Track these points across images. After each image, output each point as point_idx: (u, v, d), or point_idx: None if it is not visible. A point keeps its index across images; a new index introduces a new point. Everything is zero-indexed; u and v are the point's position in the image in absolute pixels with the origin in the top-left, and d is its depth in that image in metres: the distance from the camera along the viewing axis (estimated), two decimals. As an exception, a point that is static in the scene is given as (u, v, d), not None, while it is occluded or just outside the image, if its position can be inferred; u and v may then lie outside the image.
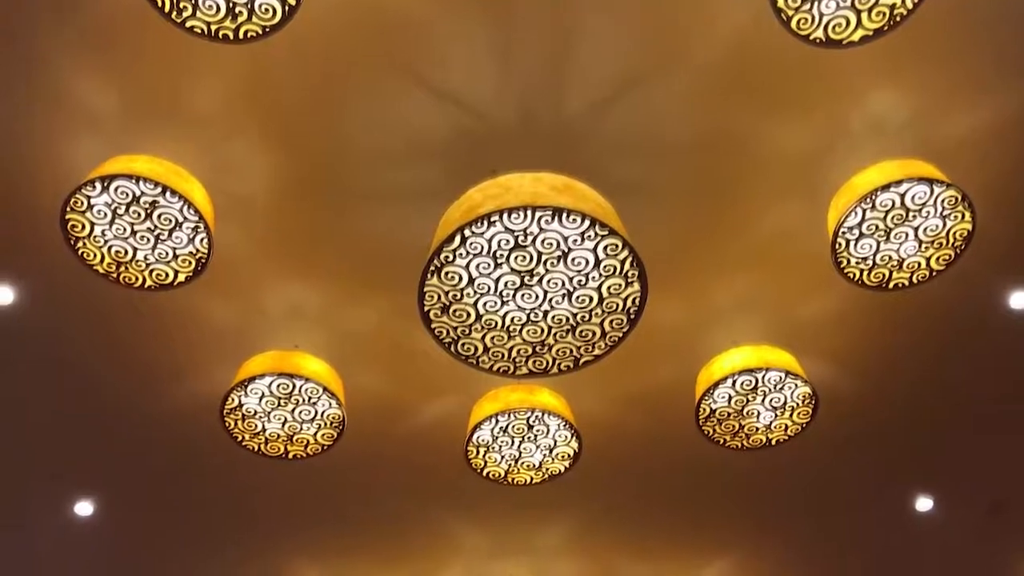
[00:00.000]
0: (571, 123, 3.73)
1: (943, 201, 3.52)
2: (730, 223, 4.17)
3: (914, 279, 3.78)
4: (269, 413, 4.25)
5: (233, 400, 4.18)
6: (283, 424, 4.29)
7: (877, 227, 3.60)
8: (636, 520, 5.75)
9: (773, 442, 4.44)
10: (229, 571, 5.94)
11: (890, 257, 3.70)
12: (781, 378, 4.20)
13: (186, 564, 5.87)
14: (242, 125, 3.70)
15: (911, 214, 3.56)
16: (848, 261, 3.71)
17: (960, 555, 6.02)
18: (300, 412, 4.26)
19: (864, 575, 6.20)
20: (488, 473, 4.56)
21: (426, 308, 3.16)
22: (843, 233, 3.62)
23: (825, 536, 5.89)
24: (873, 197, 3.52)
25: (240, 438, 4.32)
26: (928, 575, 6.20)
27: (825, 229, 3.81)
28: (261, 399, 4.19)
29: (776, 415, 4.34)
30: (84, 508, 5.39)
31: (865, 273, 3.76)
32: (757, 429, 4.40)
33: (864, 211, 3.56)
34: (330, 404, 4.25)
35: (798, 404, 4.30)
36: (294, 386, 4.16)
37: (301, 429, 4.32)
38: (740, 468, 5.34)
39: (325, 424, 4.32)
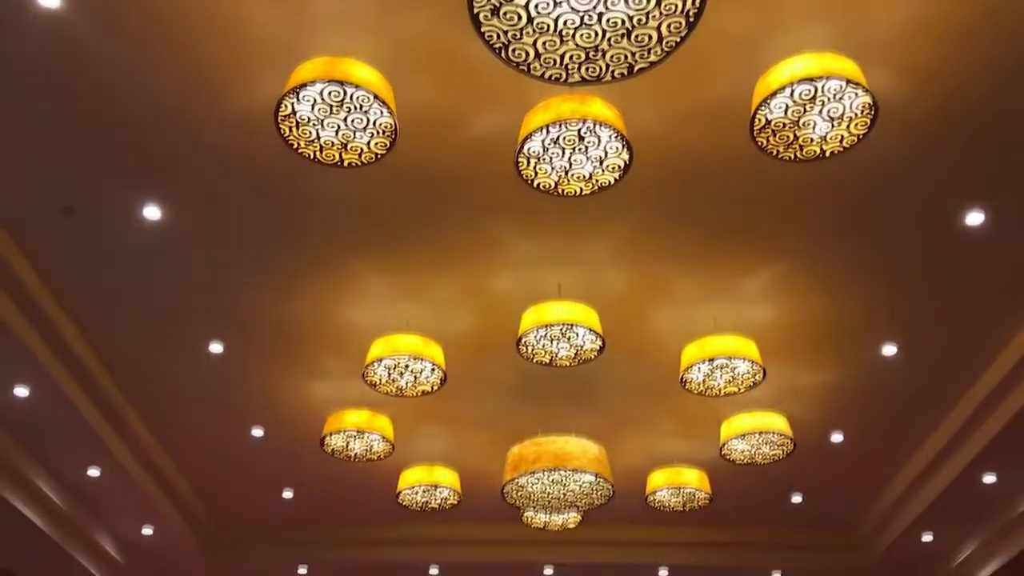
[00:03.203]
0: None
1: None
2: (802, -83, 3.86)
3: (997, -20, 3.52)
4: (322, 120, 4.28)
5: (286, 107, 4.21)
6: (336, 132, 4.34)
7: (964, -80, 3.31)
8: (684, 231, 5.87)
9: (827, 154, 4.40)
10: (291, 274, 6.27)
11: (974, -46, 3.43)
12: (841, 87, 4.08)
13: (249, 266, 6.20)
14: None
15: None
16: (927, -41, 3.46)
17: (1008, 269, 6.09)
18: (352, 120, 4.29)
19: (911, 290, 6.34)
20: (538, 184, 4.62)
21: (475, 10, 3.06)
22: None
23: (872, 249, 5.97)
24: None
25: (295, 145, 4.39)
26: (974, 289, 6.31)
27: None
28: (313, 106, 4.21)
29: (832, 126, 4.27)
30: (152, 212, 5.63)
31: (944, -27, 3.51)
32: (812, 140, 4.34)
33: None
34: (382, 112, 4.26)
35: (856, 115, 4.20)
36: (345, 94, 4.16)
37: (354, 137, 4.37)
38: (792, 181, 5.35)
39: (377, 133, 4.35)
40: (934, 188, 5.42)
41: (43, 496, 8.10)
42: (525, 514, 8.20)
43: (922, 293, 6.40)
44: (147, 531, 9.41)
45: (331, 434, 7.19)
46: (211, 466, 8.93)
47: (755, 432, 7.03)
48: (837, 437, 8.26)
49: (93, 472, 8.14)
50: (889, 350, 7.00)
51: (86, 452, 7.81)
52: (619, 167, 4.50)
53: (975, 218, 5.61)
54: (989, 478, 7.96)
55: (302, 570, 10.46)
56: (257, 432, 8.27)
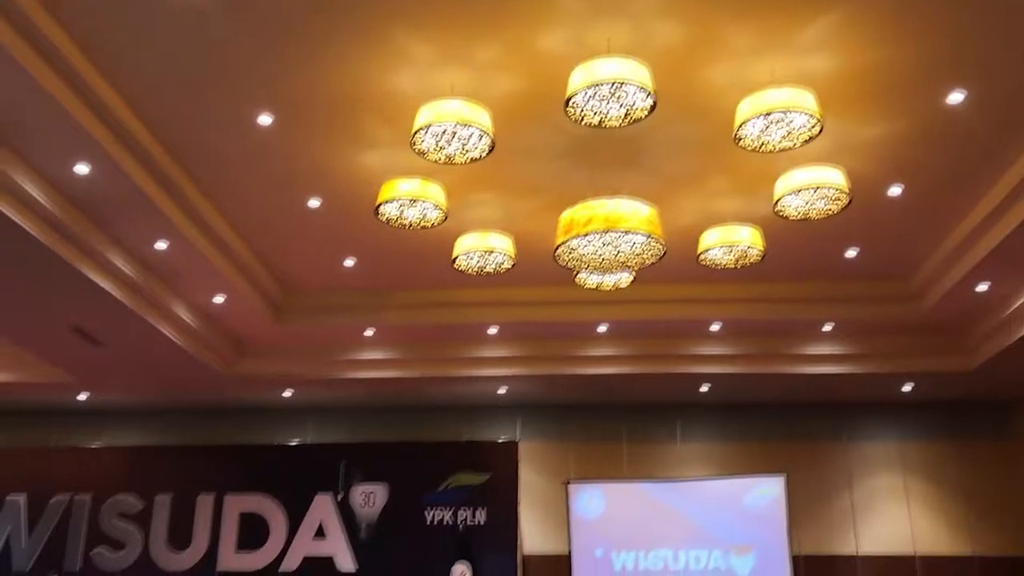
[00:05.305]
0: None
1: None
2: None
3: None
4: None
5: None
6: None
7: None
8: (739, -24, 5.52)
9: None
10: (333, 41, 6.11)
11: None
12: None
13: (291, 35, 6.04)
14: None
15: None
16: None
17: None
18: None
19: (983, 32, 5.95)
20: (582, -72, 4.33)
21: None
22: None
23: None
24: None
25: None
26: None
27: None
28: None
29: None
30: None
31: None
32: None
33: None
34: None
35: None
36: None
37: None
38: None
39: None
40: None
41: (115, 268, 8.50)
42: (578, 276, 8.38)
43: (995, 35, 6.01)
44: (219, 299, 9.90)
45: (385, 203, 7.27)
46: (273, 237, 9.19)
47: (810, 187, 6.91)
48: (895, 190, 8.11)
49: (160, 245, 8.47)
50: (955, 98, 6.69)
51: (151, 226, 8.08)
52: (668, -94, 4.17)
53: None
54: (1051, 227, 7.84)
55: (368, 332, 11.00)
56: (314, 203, 8.42)
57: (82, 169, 7.04)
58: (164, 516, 12.43)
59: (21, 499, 12.57)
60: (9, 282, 8.41)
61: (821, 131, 6.18)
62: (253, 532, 12.23)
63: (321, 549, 12.10)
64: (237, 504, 12.41)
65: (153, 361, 10.65)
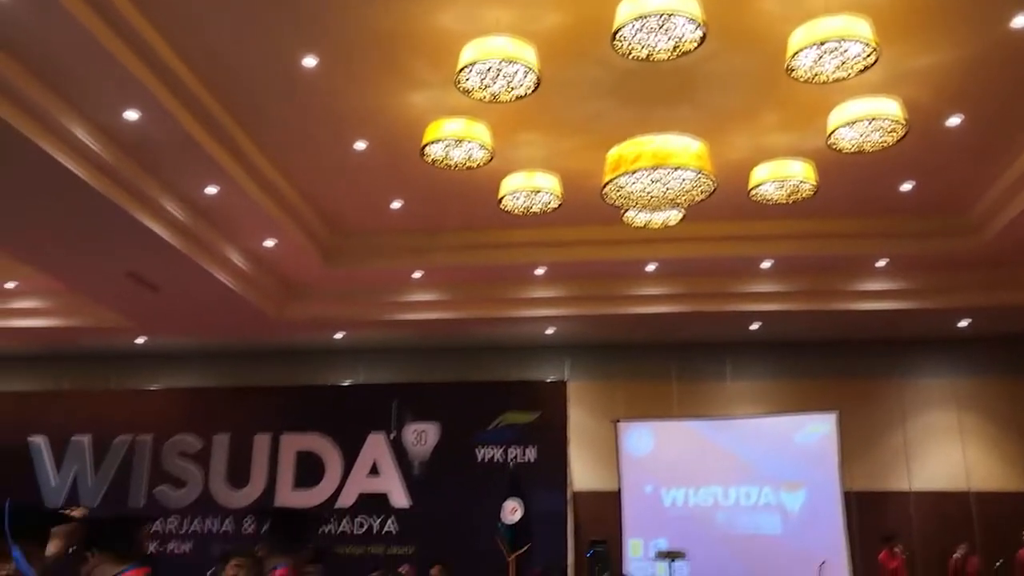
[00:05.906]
0: None
1: None
2: None
3: None
4: None
5: None
6: None
7: None
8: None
9: None
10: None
11: None
12: None
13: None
14: None
15: None
16: None
17: None
18: None
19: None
20: None
21: None
22: None
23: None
24: None
25: None
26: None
27: None
28: None
29: None
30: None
31: None
32: None
33: None
34: None
35: None
36: None
37: None
38: None
39: None
40: None
41: (167, 213, 8.64)
42: (626, 214, 8.29)
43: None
44: (269, 243, 10.01)
45: (430, 143, 7.24)
46: (320, 181, 9.22)
47: (865, 119, 6.72)
48: (954, 120, 7.85)
49: (211, 189, 8.56)
50: (1020, 21, 6.41)
51: (201, 171, 8.16)
52: None
53: None
54: (1119, 156, 7.55)
55: (417, 275, 11.05)
56: (360, 145, 8.41)
57: (132, 115, 7.11)
58: (223, 455, 12.81)
59: (86, 440, 13.04)
60: (65, 229, 8.58)
61: (877, 60, 5.98)
62: (309, 470, 12.56)
63: (376, 486, 12.40)
64: (293, 443, 12.73)
65: (207, 305, 10.85)
